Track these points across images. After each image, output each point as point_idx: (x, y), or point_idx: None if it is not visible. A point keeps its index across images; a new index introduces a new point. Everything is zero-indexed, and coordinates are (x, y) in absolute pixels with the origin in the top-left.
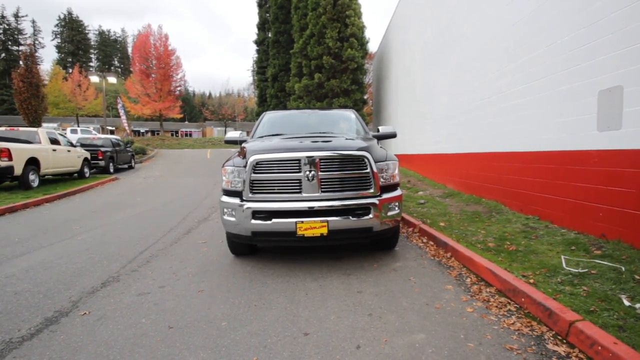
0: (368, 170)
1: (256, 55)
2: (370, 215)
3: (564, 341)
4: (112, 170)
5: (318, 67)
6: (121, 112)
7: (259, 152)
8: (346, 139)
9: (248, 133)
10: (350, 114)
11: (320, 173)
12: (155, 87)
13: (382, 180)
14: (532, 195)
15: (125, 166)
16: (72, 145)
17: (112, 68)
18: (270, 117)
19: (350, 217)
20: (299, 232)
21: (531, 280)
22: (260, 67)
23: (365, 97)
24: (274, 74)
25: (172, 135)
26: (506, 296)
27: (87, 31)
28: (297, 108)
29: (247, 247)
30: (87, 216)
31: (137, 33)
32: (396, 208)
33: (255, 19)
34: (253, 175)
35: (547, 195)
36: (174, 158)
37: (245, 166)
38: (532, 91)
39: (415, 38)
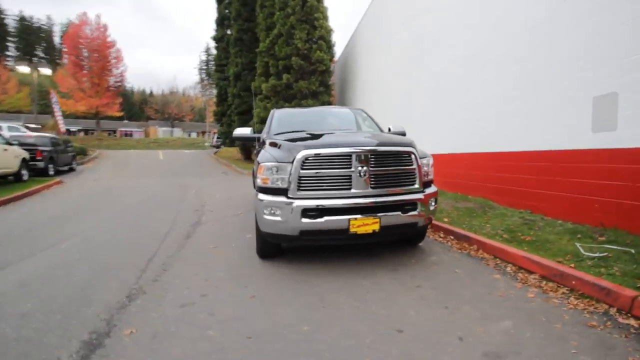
0: (414, 166)
1: (215, 53)
2: (417, 211)
3: (629, 315)
4: (52, 172)
5: (286, 67)
6: (55, 107)
7: (308, 147)
8: (389, 134)
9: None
10: (362, 112)
11: (370, 169)
12: (91, 82)
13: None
14: (523, 190)
15: (66, 168)
16: (8, 143)
17: (35, 59)
18: (282, 115)
19: (400, 213)
20: (352, 230)
21: (572, 265)
22: (220, 65)
23: (329, 99)
24: (237, 72)
25: (109, 134)
26: (553, 281)
27: (4, 16)
28: (300, 106)
29: (277, 248)
30: (53, 223)
31: (67, 22)
32: (434, 203)
33: (204, 14)
34: (301, 171)
35: (540, 191)
36: (121, 159)
37: (291, 162)
38: (527, 95)
39: (388, 42)
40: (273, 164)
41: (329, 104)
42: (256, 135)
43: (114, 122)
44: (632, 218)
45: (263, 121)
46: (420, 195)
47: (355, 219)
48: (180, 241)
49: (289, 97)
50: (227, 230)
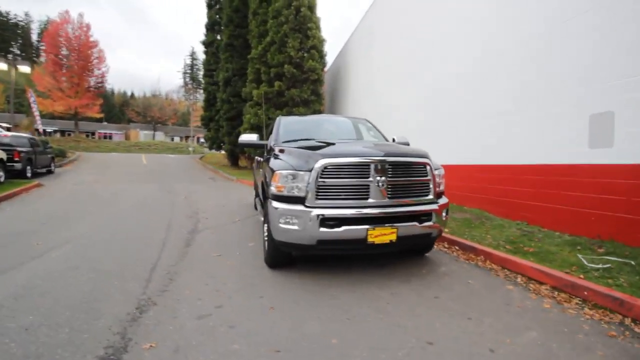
0: (429, 177)
1: (204, 57)
2: (432, 222)
3: None
4: (29, 174)
5: (278, 75)
6: (34, 107)
7: (326, 156)
8: (403, 145)
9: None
10: (367, 122)
11: (388, 179)
12: (70, 82)
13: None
14: (519, 203)
15: (44, 170)
16: None
17: (10, 56)
18: (288, 122)
19: (417, 224)
20: (370, 239)
21: (580, 276)
22: (209, 70)
23: (320, 108)
24: (227, 78)
25: (87, 136)
26: (564, 291)
27: None
28: (291, 114)
29: (289, 258)
30: (39, 229)
31: (47, 19)
32: (445, 214)
33: (190, 18)
34: (320, 180)
35: (536, 203)
36: (102, 162)
37: (310, 170)
38: (524, 111)
39: (382, 53)
40: (290, 172)
41: (320, 112)
42: (264, 142)
43: (92, 123)
44: (628, 231)
45: (253, 127)
46: (435, 206)
47: (374, 228)
48: (181, 249)
49: (281, 105)
50: (227, 238)
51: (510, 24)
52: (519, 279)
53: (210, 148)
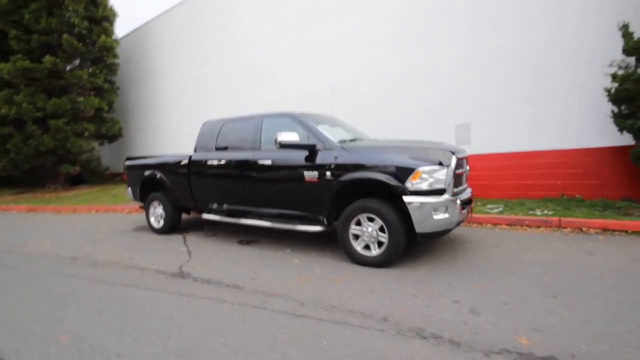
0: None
1: None
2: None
3: (561, 227)
4: None
5: (49, 45)
6: None
7: (454, 152)
8: None
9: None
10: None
11: (466, 169)
12: None
13: None
14: None
15: None
16: None
17: None
18: (313, 120)
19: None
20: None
21: (512, 214)
22: None
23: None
24: None
25: None
26: (515, 225)
27: None
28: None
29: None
30: None
31: None
32: None
33: None
34: (455, 172)
35: None
36: None
37: (448, 165)
38: (407, 122)
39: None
40: (433, 167)
41: (113, 103)
42: (310, 143)
43: None
44: (485, 190)
45: (5, 122)
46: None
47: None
48: (251, 293)
49: (57, 90)
50: (237, 268)
51: (398, 61)
52: (488, 225)
53: None
